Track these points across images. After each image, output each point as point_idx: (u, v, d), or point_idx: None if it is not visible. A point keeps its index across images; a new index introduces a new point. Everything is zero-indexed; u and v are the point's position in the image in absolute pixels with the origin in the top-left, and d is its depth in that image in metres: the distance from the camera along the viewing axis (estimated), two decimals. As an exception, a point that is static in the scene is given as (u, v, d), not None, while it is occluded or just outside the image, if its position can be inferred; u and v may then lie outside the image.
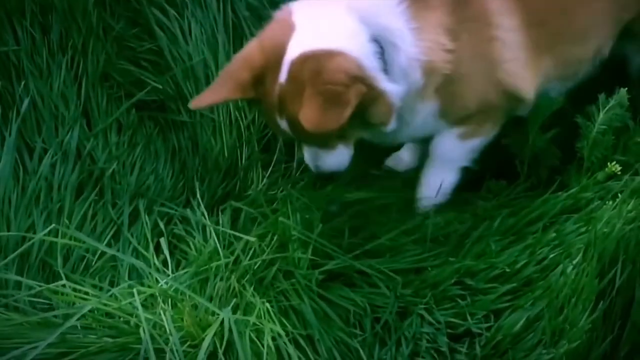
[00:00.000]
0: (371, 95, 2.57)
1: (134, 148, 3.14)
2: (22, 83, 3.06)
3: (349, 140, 2.76)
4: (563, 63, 3.00)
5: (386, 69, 2.64)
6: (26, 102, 2.98)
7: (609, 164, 2.71)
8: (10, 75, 3.09)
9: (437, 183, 3.06)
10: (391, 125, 2.72)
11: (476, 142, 3.01)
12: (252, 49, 2.66)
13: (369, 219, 2.99)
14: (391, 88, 2.63)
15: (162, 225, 2.82)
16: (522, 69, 2.86)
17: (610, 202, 2.50)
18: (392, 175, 3.29)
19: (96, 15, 3.34)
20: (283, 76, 2.54)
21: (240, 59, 2.67)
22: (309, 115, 2.46)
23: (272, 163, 3.25)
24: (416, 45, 2.68)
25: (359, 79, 2.52)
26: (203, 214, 2.89)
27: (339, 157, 2.78)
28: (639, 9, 3.07)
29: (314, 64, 2.50)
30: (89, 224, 2.83)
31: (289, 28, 2.60)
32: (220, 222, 2.89)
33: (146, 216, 2.86)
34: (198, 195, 2.98)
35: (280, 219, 2.77)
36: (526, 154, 2.97)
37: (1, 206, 2.72)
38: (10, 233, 2.62)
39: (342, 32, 2.59)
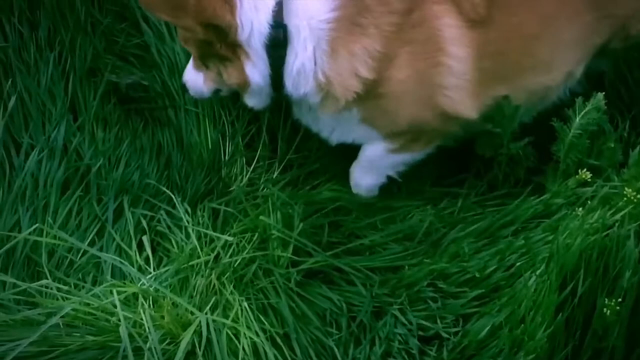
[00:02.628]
0: (223, 44, 2.70)
1: (120, 143, 3.17)
2: (10, 80, 3.08)
3: (209, 74, 2.90)
4: (526, 92, 3.00)
5: (281, 62, 2.72)
6: (13, 98, 3.01)
7: (580, 171, 2.75)
8: (-3, 72, 3.13)
9: (361, 182, 3.19)
10: (250, 101, 2.89)
11: (406, 157, 3.09)
12: None
13: (349, 217, 3.05)
14: (250, 71, 2.73)
15: (144, 223, 2.87)
16: (466, 97, 2.87)
17: (580, 209, 2.55)
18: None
19: (84, 11, 3.37)
20: None
21: None
22: None
23: (255, 159, 3.29)
24: (319, 64, 2.72)
25: (216, 15, 2.61)
26: (187, 211, 2.95)
27: (195, 79, 2.95)
28: (611, 33, 3.03)
29: None
30: (74, 220, 2.87)
31: None
32: (202, 219, 2.95)
33: (130, 213, 2.90)
34: (181, 192, 3.04)
35: (261, 217, 2.83)
36: (502, 158, 3.02)
37: (-13, 202, 2.77)
38: (-5, 232, 2.68)
39: None
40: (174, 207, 2.97)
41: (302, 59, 2.72)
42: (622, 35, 3.05)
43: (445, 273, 2.66)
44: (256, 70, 2.76)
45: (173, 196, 2.97)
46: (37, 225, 2.65)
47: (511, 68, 2.94)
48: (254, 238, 2.81)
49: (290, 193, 3.07)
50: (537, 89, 3.02)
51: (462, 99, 2.86)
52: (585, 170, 2.76)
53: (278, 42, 2.70)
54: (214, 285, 2.67)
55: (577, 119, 2.84)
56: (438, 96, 2.84)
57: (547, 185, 2.93)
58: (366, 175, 3.19)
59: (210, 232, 2.82)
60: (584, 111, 2.84)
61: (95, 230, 2.88)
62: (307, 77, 2.76)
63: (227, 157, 3.25)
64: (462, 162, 3.23)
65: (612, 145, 2.85)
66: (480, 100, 2.90)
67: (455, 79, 2.83)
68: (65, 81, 3.22)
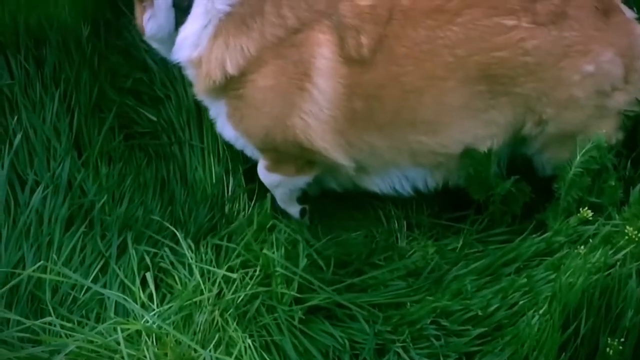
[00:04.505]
0: None
1: (124, 179, 3.20)
2: (16, 117, 3.13)
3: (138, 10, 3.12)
4: (408, 150, 3.02)
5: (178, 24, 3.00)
6: (19, 136, 3.04)
7: (581, 209, 2.77)
8: (4, 109, 3.16)
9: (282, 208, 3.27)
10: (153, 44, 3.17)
11: (279, 179, 3.16)
12: None
13: (352, 252, 3.07)
14: (147, 21, 3.06)
15: (148, 259, 2.88)
16: (327, 131, 2.94)
17: (582, 247, 2.56)
18: (376, 207, 3.35)
19: (90, 48, 3.42)
20: None
21: None
22: None
23: (257, 192, 3.30)
24: (200, 41, 2.96)
25: None
26: (190, 247, 2.96)
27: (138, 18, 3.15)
28: (517, 114, 2.93)
29: None
30: (78, 256, 2.88)
31: None
32: (206, 255, 2.96)
33: (134, 249, 2.91)
34: (184, 228, 3.05)
35: (264, 251, 2.85)
36: (496, 197, 3.03)
37: (-8, 239, 2.79)
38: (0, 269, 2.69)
39: None
40: (177, 243, 2.98)
41: (190, 29, 2.97)
42: (534, 120, 2.93)
43: (448, 311, 2.67)
44: (154, 21, 3.06)
45: (177, 232, 2.98)
46: (41, 262, 2.67)
47: (387, 117, 2.94)
48: (258, 273, 2.82)
49: (294, 225, 3.08)
50: (422, 151, 3.01)
51: (321, 131, 2.94)
52: (586, 208, 2.78)
53: (182, 7, 2.99)
54: (217, 321, 2.67)
55: (578, 157, 2.86)
56: (294, 117, 2.93)
57: (549, 222, 2.93)
58: (279, 202, 3.29)
59: (213, 268, 2.82)
60: (585, 149, 2.86)
61: (99, 266, 2.89)
62: (186, 47, 2.99)
63: (230, 193, 3.26)
64: (463, 197, 3.24)
65: (613, 184, 2.87)
66: (349, 142, 2.97)
67: (316, 109, 2.90)
68: (70, 117, 3.26)
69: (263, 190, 3.26)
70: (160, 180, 3.27)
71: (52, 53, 3.31)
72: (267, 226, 3.11)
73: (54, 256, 2.81)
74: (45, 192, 2.96)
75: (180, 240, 2.95)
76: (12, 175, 2.99)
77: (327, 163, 3.06)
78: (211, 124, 3.25)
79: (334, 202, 3.29)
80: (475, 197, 3.09)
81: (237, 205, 3.25)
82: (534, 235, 2.86)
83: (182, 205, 3.18)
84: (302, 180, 3.17)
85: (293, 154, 3.05)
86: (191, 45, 2.98)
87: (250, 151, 3.16)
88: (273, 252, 2.85)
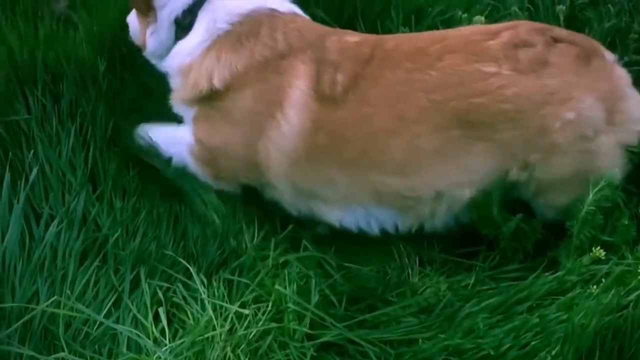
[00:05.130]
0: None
1: (138, 214, 3.21)
2: (32, 151, 3.14)
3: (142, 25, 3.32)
4: (373, 190, 3.03)
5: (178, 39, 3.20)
6: (35, 170, 3.06)
7: (594, 248, 2.77)
8: (20, 143, 3.18)
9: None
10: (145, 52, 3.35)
11: (200, 173, 3.27)
12: None
13: (365, 288, 3.06)
14: (150, 36, 3.26)
15: (160, 294, 2.88)
16: (285, 162, 3.03)
17: (594, 287, 2.56)
18: (388, 243, 3.35)
19: (106, 83, 3.46)
20: None
21: None
22: None
23: (268, 224, 3.29)
24: (194, 52, 3.13)
25: None
26: (203, 282, 2.97)
27: (134, 23, 3.37)
28: (499, 161, 2.93)
29: None
30: (91, 290, 2.88)
31: None
32: (218, 290, 2.96)
33: (147, 284, 2.92)
34: (196, 263, 3.06)
35: (277, 287, 2.85)
36: (505, 234, 3.03)
37: (7, 274, 2.78)
38: (13, 304, 2.70)
39: None
40: (190, 277, 2.99)
41: (188, 43, 3.16)
42: (519, 165, 2.93)
43: (460, 349, 2.66)
44: (156, 37, 3.27)
45: (190, 267, 2.99)
46: (55, 297, 2.68)
47: (351, 155, 2.97)
48: (270, 309, 2.82)
49: (305, 263, 3.09)
50: (387, 192, 3.02)
51: (279, 160, 3.02)
52: (599, 247, 2.78)
53: (183, 24, 3.19)
54: (229, 358, 2.67)
55: (591, 196, 2.86)
56: (260, 141, 3.04)
57: (562, 260, 2.93)
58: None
59: (226, 304, 2.83)
60: (598, 188, 2.87)
61: (112, 300, 2.88)
62: (179, 56, 3.17)
63: (240, 225, 3.27)
64: (474, 232, 3.23)
65: (626, 223, 2.87)
66: (305, 174, 3.05)
67: (281, 139, 2.99)
68: (86, 151, 3.27)
69: (274, 224, 3.27)
70: (174, 214, 3.28)
71: (69, 89, 3.34)
72: (280, 262, 3.12)
73: (68, 291, 2.82)
74: (60, 226, 2.97)
75: (193, 274, 2.96)
76: (27, 209, 2.99)
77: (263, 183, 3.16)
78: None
79: (346, 237, 3.28)
80: (483, 232, 3.09)
81: (247, 237, 3.25)
82: (546, 274, 2.86)
83: (195, 240, 3.19)
84: (222, 185, 3.27)
85: (233, 169, 3.17)
86: (184, 54, 3.15)
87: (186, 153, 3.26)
88: (285, 288, 2.86)
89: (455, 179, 2.96)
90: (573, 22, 3.92)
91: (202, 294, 2.88)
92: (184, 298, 2.92)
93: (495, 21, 3.91)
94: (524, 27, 2.97)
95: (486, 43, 2.91)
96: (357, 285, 3.05)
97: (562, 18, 3.88)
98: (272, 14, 3.12)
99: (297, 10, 3.27)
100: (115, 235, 3.06)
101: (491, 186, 2.96)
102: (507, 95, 2.83)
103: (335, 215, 3.17)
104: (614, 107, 2.90)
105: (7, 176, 2.97)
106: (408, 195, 3.00)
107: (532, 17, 4.02)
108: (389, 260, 3.25)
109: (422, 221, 3.10)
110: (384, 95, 2.91)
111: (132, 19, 3.43)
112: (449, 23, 3.95)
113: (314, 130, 2.94)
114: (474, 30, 3.10)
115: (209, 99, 3.10)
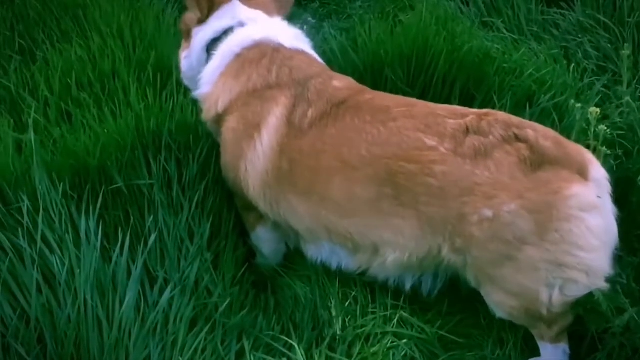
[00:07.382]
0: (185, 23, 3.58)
1: (248, 282, 3.32)
2: (152, 216, 3.27)
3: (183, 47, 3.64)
4: (322, 223, 3.15)
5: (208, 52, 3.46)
6: (154, 236, 3.18)
7: None
8: (142, 208, 3.32)
9: None
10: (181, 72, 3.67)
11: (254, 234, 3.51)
12: None
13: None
14: (184, 58, 3.59)
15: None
16: (258, 184, 3.23)
17: None
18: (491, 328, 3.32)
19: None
20: None
21: None
22: None
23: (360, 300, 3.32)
24: (214, 79, 3.37)
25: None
26: (302, 355, 3.03)
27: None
28: (430, 234, 2.95)
29: None
30: (199, 358, 2.98)
31: None
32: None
33: (252, 356, 3.00)
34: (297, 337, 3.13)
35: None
36: (616, 329, 2.94)
37: (122, 337, 2.89)
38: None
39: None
40: (290, 349, 3.06)
41: (209, 69, 3.41)
42: (450, 246, 2.93)
43: None
44: (187, 60, 3.56)
45: (290, 341, 3.06)
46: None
47: (305, 184, 3.14)
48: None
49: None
50: (334, 230, 3.14)
51: (254, 180, 3.24)
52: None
53: (209, 51, 3.44)
54: None
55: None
56: (241, 162, 3.25)
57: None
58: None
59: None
60: None
61: (218, 370, 2.98)
62: (203, 85, 3.42)
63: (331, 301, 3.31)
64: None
65: None
66: (274, 198, 3.22)
67: (255, 159, 3.21)
68: (207, 219, 3.39)
69: (363, 296, 3.31)
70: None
71: (197, 159, 3.51)
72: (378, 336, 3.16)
73: (179, 357, 2.92)
74: (173, 292, 3.08)
75: (295, 348, 3.03)
76: (143, 274, 3.10)
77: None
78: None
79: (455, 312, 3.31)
80: (591, 327, 3.01)
81: (338, 311, 3.28)
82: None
83: (291, 314, 3.28)
84: (254, 236, 3.48)
85: (235, 192, 3.40)
86: (206, 83, 3.41)
87: None
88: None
89: (387, 237, 3.05)
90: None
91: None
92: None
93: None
94: (492, 117, 2.94)
95: (444, 120, 2.96)
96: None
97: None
98: (278, 48, 3.35)
99: (306, 47, 3.50)
100: (224, 304, 3.15)
101: (425, 259, 3.03)
102: (436, 171, 2.88)
103: (313, 251, 3.34)
104: (548, 224, 2.80)
105: (128, 241, 3.09)
106: (349, 237, 3.14)
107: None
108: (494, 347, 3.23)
109: (370, 267, 3.19)
110: (336, 136, 3.07)
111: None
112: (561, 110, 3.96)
113: (279, 154, 3.16)
114: (447, 107, 3.12)
115: (217, 123, 3.35)
